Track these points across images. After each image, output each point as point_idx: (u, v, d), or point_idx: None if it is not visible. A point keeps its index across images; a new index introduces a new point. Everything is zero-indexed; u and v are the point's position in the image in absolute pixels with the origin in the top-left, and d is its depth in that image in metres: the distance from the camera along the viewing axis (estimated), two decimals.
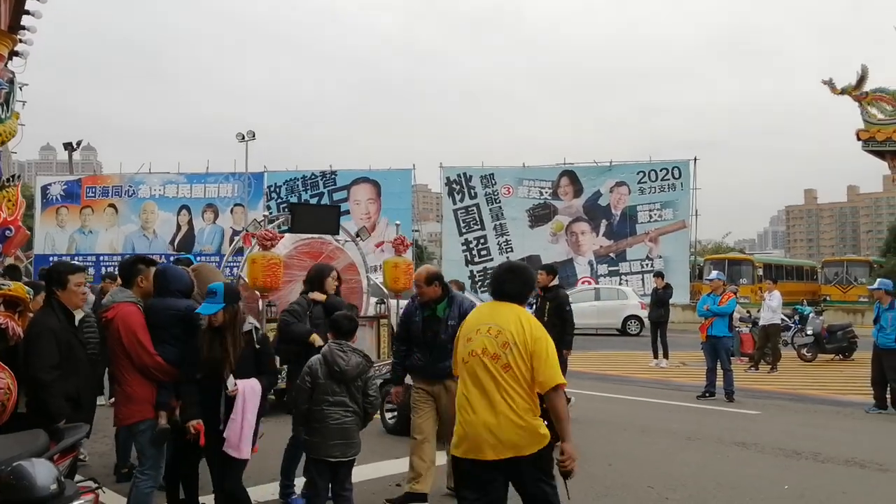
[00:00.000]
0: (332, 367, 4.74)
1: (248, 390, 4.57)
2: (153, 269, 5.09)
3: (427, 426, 5.70)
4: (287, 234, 10.05)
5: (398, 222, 12.81)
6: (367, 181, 34.60)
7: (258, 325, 4.93)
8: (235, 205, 35.51)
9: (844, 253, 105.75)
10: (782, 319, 16.73)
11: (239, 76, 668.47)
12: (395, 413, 8.34)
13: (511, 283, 3.97)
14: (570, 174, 33.70)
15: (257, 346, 4.70)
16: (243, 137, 33.31)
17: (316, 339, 5.76)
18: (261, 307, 9.20)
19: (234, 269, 14.20)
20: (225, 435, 4.53)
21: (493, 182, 34.06)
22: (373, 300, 11.06)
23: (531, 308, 9.94)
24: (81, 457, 6.12)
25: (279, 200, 35.05)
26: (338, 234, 10.64)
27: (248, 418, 4.54)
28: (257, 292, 9.24)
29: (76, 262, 6.87)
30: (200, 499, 5.22)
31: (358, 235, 11.13)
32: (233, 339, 4.59)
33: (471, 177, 34.30)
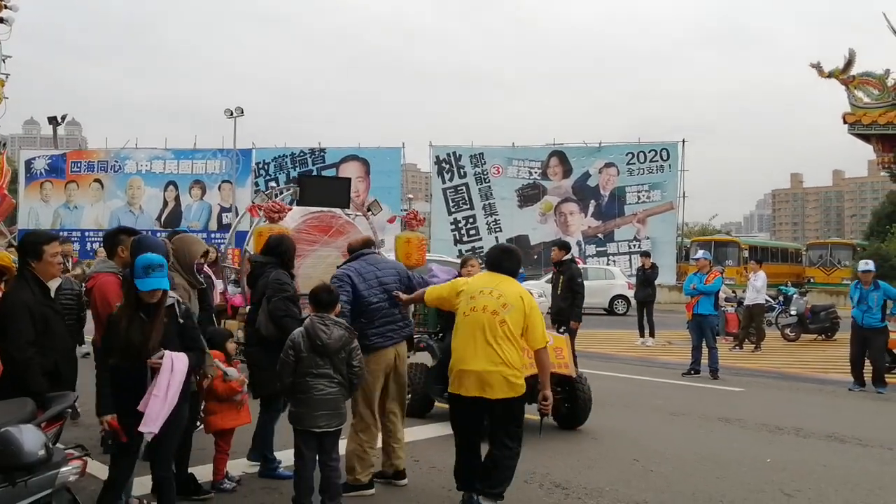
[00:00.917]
0: (314, 340, 4.73)
1: (176, 364, 4.24)
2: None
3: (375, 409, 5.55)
4: (295, 207, 9.72)
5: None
6: (357, 159, 34.49)
7: (179, 297, 4.70)
8: (223, 181, 35.35)
9: (829, 236, 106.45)
10: (767, 300, 16.87)
11: (227, 52, 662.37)
12: (409, 394, 8.07)
13: (507, 261, 4.97)
14: (560, 154, 33.71)
15: (181, 321, 4.43)
16: (231, 114, 33.10)
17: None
18: None
19: (222, 246, 14.14)
20: (141, 408, 4.13)
21: (483, 162, 34.02)
22: None
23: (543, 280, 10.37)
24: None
25: (267, 177, 34.92)
26: (348, 207, 10.24)
27: (171, 395, 4.18)
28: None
29: (50, 231, 6.71)
30: (190, 470, 5.23)
31: (369, 209, 10.70)
32: (160, 317, 4.29)
33: (460, 156, 34.24)
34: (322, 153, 34.87)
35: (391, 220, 11.69)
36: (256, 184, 35.03)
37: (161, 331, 4.26)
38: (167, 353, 4.23)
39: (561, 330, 9.09)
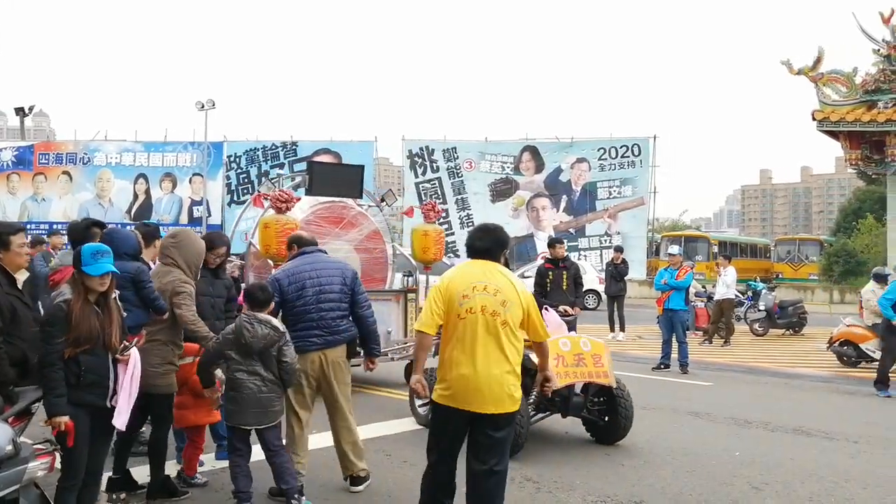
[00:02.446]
0: (239, 339, 4.74)
1: (135, 356, 4.26)
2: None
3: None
4: (304, 197, 9.06)
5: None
6: (329, 153, 34.29)
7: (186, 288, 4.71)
8: (194, 174, 34.97)
9: (797, 232, 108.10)
10: (736, 295, 17.08)
11: (198, 43, 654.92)
12: (427, 401, 7.72)
13: (482, 240, 4.29)
14: (532, 149, 33.81)
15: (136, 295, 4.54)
16: (203, 106, 32.76)
17: None
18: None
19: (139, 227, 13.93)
20: (112, 403, 4.13)
21: (456, 156, 34.01)
22: (398, 273, 10.27)
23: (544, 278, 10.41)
24: None
25: (239, 171, 34.67)
26: (361, 197, 9.65)
27: (134, 389, 4.22)
28: (270, 261, 8.32)
29: (16, 222, 6.61)
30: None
31: (383, 200, 10.11)
32: (115, 304, 4.22)
33: (433, 150, 34.21)
34: (294, 147, 34.66)
35: (408, 213, 11.33)
36: (228, 177, 34.75)
37: (120, 321, 4.21)
38: (133, 348, 4.23)
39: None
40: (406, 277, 9.82)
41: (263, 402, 4.76)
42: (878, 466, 6.27)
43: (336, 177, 9.57)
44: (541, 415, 6.75)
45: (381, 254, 9.82)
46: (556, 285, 10.39)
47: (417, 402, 7.27)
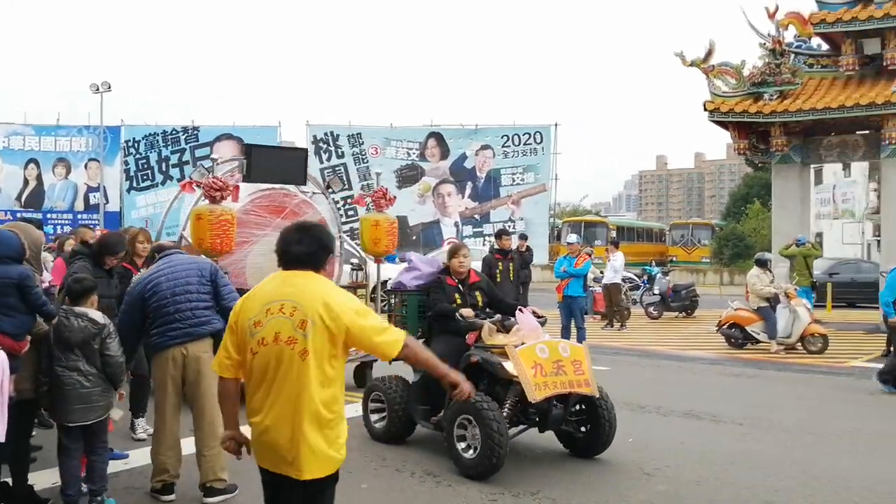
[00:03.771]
0: (56, 332, 4.68)
1: (5, 364, 4.21)
2: None
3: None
4: (242, 184, 8.23)
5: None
6: (231, 138, 33.40)
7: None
8: (90, 159, 33.50)
9: (690, 216, 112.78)
10: (630, 279, 17.70)
11: (93, 22, 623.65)
12: (385, 414, 6.53)
13: (299, 243, 3.11)
14: (438, 136, 33.92)
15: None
16: (98, 89, 31.34)
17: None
18: None
19: (96, 228, 13.31)
20: None
21: (361, 141, 33.76)
22: (346, 267, 9.62)
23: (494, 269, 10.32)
24: None
25: (138, 156, 33.44)
26: (305, 184, 8.92)
27: (6, 394, 4.17)
28: (204, 256, 7.51)
29: None
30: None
31: (329, 187, 9.43)
32: None
33: (338, 136, 33.84)
34: (195, 131, 33.62)
35: (358, 201, 10.63)
36: (126, 163, 33.47)
37: None
38: (3, 354, 4.06)
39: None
40: (355, 271, 9.20)
41: (86, 398, 4.65)
42: (761, 448, 6.60)
43: (277, 161, 8.66)
44: (516, 429, 5.99)
45: None
46: (505, 276, 10.47)
47: (373, 417, 6.64)
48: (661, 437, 6.91)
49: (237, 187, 7.79)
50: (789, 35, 16.74)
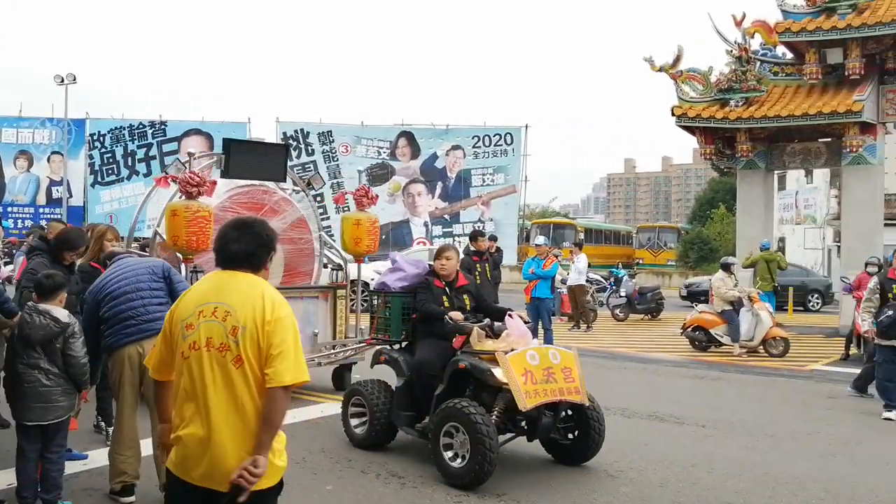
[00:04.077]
0: (18, 329, 4.67)
1: None
2: None
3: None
4: (219, 180, 7.95)
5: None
6: (200, 133, 33.12)
7: None
8: (53, 152, 32.94)
9: (657, 220, 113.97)
10: (596, 281, 17.88)
11: (59, 11, 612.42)
12: (366, 419, 6.35)
13: (237, 241, 2.91)
14: (408, 135, 33.92)
15: None
16: (62, 80, 30.80)
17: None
18: (184, 273, 7.23)
19: (53, 221, 13.07)
20: None
21: (331, 139, 33.63)
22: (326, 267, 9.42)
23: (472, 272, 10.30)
24: None
25: (103, 150, 32.91)
26: (284, 180, 8.64)
27: None
28: (179, 254, 7.42)
29: None
30: None
31: (309, 184, 9.10)
32: None
33: (308, 133, 33.67)
34: (163, 126, 33.23)
35: (339, 200, 9.98)
36: (91, 156, 32.94)
37: None
38: None
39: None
40: (335, 272, 8.99)
41: (45, 397, 4.59)
42: (723, 450, 6.72)
43: (256, 157, 8.26)
44: (503, 437, 5.76)
45: (308, 245, 8.90)
46: (483, 278, 10.54)
47: (353, 422, 6.46)
48: (625, 438, 6.99)
49: (214, 183, 7.52)
50: (755, 43, 17.04)
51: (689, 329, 13.31)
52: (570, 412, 5.92)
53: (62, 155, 32.35)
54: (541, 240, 13.42)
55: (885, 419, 8.12)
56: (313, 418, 7.51)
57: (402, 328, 6.40)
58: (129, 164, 32.99)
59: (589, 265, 17.54)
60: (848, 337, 12.72)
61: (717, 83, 17.00)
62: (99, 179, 32.96)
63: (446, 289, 6.30)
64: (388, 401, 6.24)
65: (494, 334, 5.83)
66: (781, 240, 34.07)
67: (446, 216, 33.73)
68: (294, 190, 9.11)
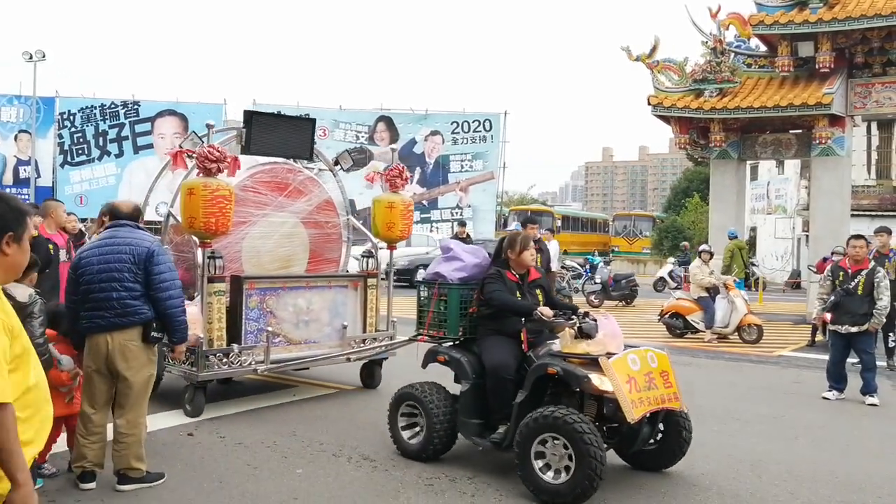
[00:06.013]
0: None
1: None
2: None
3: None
4: (241, 157, 7.12)
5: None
6: (174, 114, 32.69)
7: None
8: (20, 131, 32.31)
9: (634, 208, 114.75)
10: (572, 268, 18.05)
11: None
12: (420, 428, 5.66)
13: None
14: (387, 120, 33.82)
15: None
16: (31, 57, 30.26)
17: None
18: (199, 258, 6.70)
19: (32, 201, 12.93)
20: None
21: None
22: (356, 251, 8.80)
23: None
24: None
25: (73, 129, 32.39)
26: (311, 158, 7.96)
27: None
28: (195, 237, 6.82)
29: None
30: None
31: (338, 163, 8.29)
32: None
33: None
34: (136, 106, 32.74)
35: (370, 178, 9.79)
36: (60, 136, 32.36)
37: None
38: None
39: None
40: (365, 259, 8.17)
41: None
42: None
43: (280, 132, 7.50)
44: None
45: (335, 229, 8.19)
46: None
47: (405, 432, 5.78)
48: None
49: (236, 159, 6.77)
50: (730, 35, 17.23)
51: (667, 316, 13.50)
52: (660, 418, 5.37)
53: (30, 134, 31.77)
54: (513, 225, 13.56)
55: (823, 398, 8.55)
56: (285, 402, 7.56)
57: (460, 323, 5.69)
58: (101, 144, 32.50)
59: (564, 252, 17.71)
60: (813, 324, 12.99)
61: (693, 74, 17.19)
62: (69, 159, 32.46)
63: (519, 282, 5.61)
64: (449, 407, 5.54)
65: (586, 335, 5.19)
66: (753, 229, 34.52)
67: (424, 202, 33.74)
68: (320, 169, 8.38)
